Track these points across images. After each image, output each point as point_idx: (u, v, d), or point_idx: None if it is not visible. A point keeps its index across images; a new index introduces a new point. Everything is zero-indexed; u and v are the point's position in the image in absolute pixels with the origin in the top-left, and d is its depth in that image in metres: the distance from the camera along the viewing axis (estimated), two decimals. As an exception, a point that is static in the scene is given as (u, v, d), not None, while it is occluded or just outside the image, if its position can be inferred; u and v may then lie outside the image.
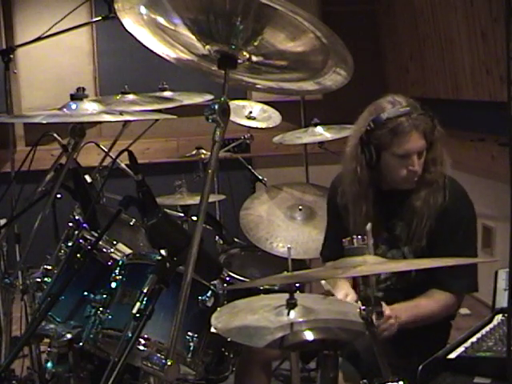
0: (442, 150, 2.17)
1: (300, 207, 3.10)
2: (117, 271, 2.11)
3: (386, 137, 2.09)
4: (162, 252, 1.51)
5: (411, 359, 2.03)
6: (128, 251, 2.31)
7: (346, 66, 1.48)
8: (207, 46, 1.47)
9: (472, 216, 2.21)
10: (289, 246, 1.96)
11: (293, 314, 1.66)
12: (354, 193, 2.21)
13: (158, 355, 1.92)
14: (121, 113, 2.11)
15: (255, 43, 1.44)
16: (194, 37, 1.47)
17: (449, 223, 2.14)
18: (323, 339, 1.63)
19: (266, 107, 3.79)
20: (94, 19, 3.41)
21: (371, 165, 2.14)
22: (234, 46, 1.44)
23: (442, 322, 2.24)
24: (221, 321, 1.75)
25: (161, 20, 1.46)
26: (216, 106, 1.39)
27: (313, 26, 1.37)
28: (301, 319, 1.65)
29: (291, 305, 1.67)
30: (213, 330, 1.93)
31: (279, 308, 1.69)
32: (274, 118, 3.75)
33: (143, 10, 1.45)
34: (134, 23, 1.49)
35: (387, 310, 1.92)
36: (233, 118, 3.41)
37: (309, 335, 1.61)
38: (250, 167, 3.82)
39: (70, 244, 2.29)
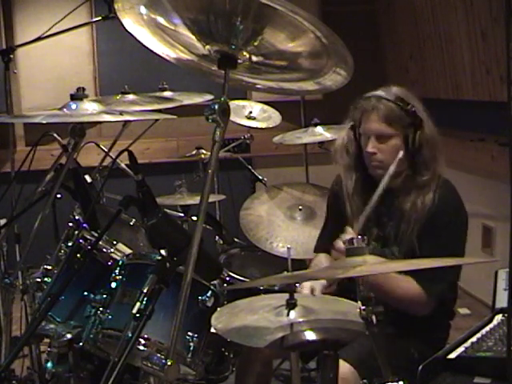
0: (434, 155, 2.17)
1: (300, 207, 3.10)
2: (117, 271, 2.11)
3: (356, 114, 2.24)
4: (162, 252, 1.51)
5: (411, 359, 2.03)
6: (128, 251, 2.31)
7: (346, 66, 1.48)
8: (207, 46, 1.47)
9: (461, 220, 2.19)
10: (288, 246, 1.96)
11: (293, 314, 1.66)
12: (345, 163, 2.31)
13: (158, 355, 1.92)
14: (121, 113, 2.11)
15: (255, 43, 1.44)
16: (193, 37, 1.47)
17: (436, 226, 2.14)
18: (323, 339, 1.63)
19: (266, 107, 3.79)
20: (94, 19, 3.41)
21: (357, 140, 2.25)
22: (233, 46, 1.44)
23: (440, 321, 2.24)
24: (221, 321, 1.75)
25: (161, 20, 1.46)
26: (216, 106, 1.39)
27: (313, 25, 1.37)
28: (301, 319, 1.65)
29: (291, 305, 1.67)
30: (213, 330, 1.93)
31: (279, 308, 1.69)
32: (273, 117, 3.75)
33: (143, 10, 1.45)
34: (134, 23, 1.49)
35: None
36: (233, 117, 3.41)
37: (309, 335, 1.61)
38: (249, 167, 3.82)
39: (69, 244, 2.29)
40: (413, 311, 2.13)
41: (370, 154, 2.19)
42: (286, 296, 1.69)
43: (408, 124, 2.15)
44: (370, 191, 2.18)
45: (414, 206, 2.15)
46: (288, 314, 1.66)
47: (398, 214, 2.17)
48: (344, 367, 1.95)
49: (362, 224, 2.07)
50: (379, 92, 2.20)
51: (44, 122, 1.92)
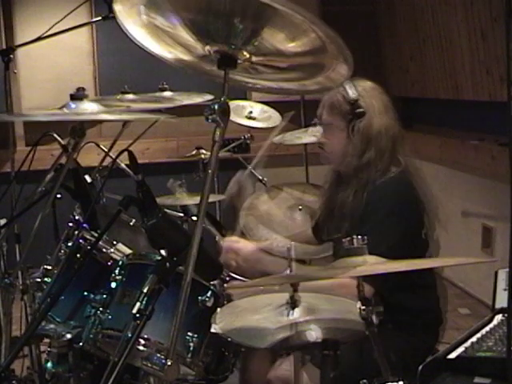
0: (366, 147, 2.16)
1: (300, 207, 3.10)
2: (117, 271, 2.11)
3: None
4: (162, 252, 1.51)
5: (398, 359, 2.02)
6: (128, 251, 2.31)
7: (346, 65, 1.48)
8: (207, 47, 1.47)
9: (385, 211, 2.12)
10: (289, 245, 1.96)
11: (294, 313, 1.66)
12: None
13: (158, 355, 1.92)
14: (121, 112, 2.10)
15: (255, 43, 1.44)
16: (193, 37, 1.47)
17: (360, 215, 2.14)
18: (323, 339, 1.63)
19: (266, 107, 3.78)
20: (94, 19, 3.41)
21: None
22: (233, 46, 1.44)
23: (422, 326, 2.22)
24: (223, 321, 1.75)
25: (160, 21, 1.46)
26: (216, 106, 1.39)
27: (313, 25, 1.36)
28: (302, 319, 1.65)
29: (293, 304, 1.67)
30: (213, 330, 1.93)
31: (281, 307, 1.69)
32: (273, 117, 3.75)
33: (142, 10, 1.45)
34: (133, 24, 1.49)
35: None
36: (233, 117, 3.41)
37: (311, 335, 1.61)
38: (250, 167, 3.82)
39: (69, 244, 2.29)
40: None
41: (319, 143, 2.30)
42: (286, 295, 1.69)
43: (347, 113, 2.18)
44: (338, 187, 2.25)
45: (342, 201, 2.20)
46: (289, 314, 1.66)
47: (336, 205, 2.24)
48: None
49: None
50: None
51: (44, 119, 1.91)
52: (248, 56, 1.48)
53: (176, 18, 1.43)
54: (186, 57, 1.57)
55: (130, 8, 1.45)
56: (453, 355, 1.74)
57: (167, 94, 3.20)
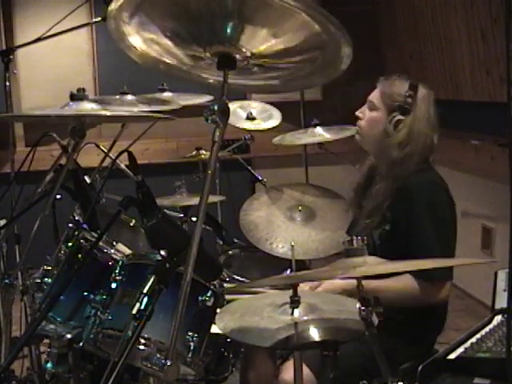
0: (405, 138, 2.21)
1: (300, 208, 3.10)
2: (117, 271, 2.11)
3: None
4: (162, 252, 1.51)
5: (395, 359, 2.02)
6: (128, 251, 2.31)
7: (347, 59, 1.46)
8: (206, 54, 1.46)
9: (423, 210, 2.15)
10: (292, 243, 1.95)
11: (295, 313, 1.66)
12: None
13: (158, 355, 1.92)
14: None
15: (255, 42, 1.43)
16: (191, 41, 1.47)
17: (402, 214, 2.15)
18: (324, 340, 1.63)
19: (266, 107, 3.78)
20: (94, 20, 3.41)
21: None
22: (233, 46, 1.44)
23: (424, 325, 2.21)
24: (226, 322, 1.75)
25: (154, 36, 1.47)
26: (215, 107, 1.39)
27: (309, 15, 1.35)
28: (303, 318, 1.65)
29: (293, 304, 1.67)
30: (213, 330, 1.93)
31: (282, 308, 1.69)
32: (274, 116, 3.75)
33: (134, 26, 1.46)
34: (130, 33, 1.50)
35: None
36: (234, 121, 3.42)
37: (311, 336, 1.61)
38: (249, 168, 3.82)
39: (69, 244, 2.29)
40: (420, 303, 2.12)
41: (357, 117, 2.32)
42: (286, 294, 1.69)
43: (396, 105, 2.23)
44: (372, 182, 2.24)
45: (376, 192, 2.22)
46: (290, 314, 1.66)
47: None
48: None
49: None
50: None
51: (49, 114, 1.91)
52: (248, 55, 1.47)
53: (167, 31, 1.44)
54: (183, 64, 1.57)
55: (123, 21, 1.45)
56: (452, 356, 1.74)
57: (167, 94, 3.20)
